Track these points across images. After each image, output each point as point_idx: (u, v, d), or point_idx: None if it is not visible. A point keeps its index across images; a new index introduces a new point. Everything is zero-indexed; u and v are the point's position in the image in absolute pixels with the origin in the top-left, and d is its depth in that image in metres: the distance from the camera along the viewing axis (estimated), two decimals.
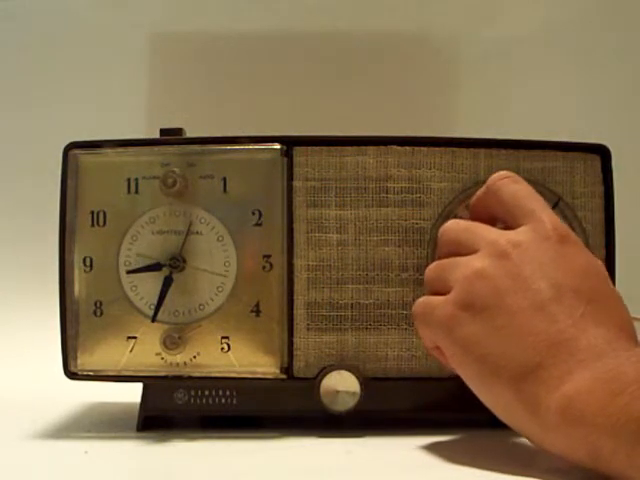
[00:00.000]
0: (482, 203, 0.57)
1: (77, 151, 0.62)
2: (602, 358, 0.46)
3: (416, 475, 0.50)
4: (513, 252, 0.51)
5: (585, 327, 0.48)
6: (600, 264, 0.53)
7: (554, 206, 0.61)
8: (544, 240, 0.51)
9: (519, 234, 0.52)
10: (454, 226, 0.56)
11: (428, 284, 0.56)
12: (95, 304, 0.61)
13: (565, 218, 0.61)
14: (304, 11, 1.12)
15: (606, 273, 0.53)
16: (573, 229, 0.61)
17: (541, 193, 0.59)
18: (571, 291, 0.50)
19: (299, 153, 0.62)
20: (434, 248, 0.61)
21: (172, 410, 0.63)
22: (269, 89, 1.11)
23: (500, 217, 0.55)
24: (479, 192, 0.57)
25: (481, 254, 0.52)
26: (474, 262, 0.52)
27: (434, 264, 0.56)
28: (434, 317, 0.53)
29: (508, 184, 0.55)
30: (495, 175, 0.56)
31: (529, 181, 0.57)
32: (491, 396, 0.50)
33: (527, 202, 0.54)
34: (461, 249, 0.54)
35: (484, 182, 0.61)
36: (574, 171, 0.62)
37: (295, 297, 0.61)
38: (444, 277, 0.54)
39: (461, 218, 0.60)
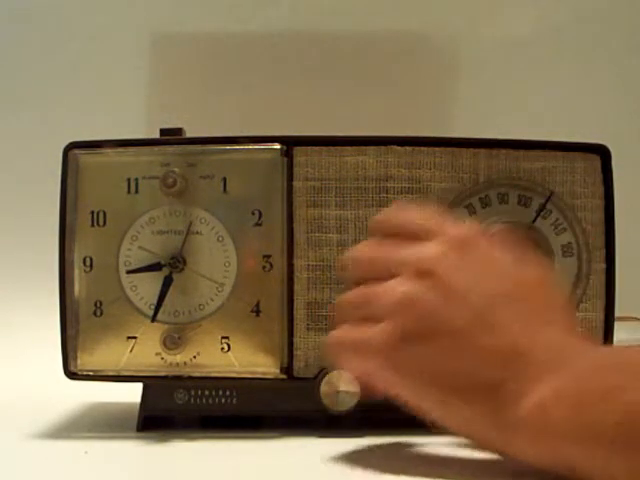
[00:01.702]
0: (381, 229, 0.54)
1: (77, 151, 0.62)
2: (560, 367, 0.45)
3: (416, 475, 0.50)
4: (433, 269, 0.49)
5: (531, 333, 0.47)
6: (524, 261, 0.51)
7: (546, 202, 0.61)
8: (458, 249, 0.49)
9: (432, 249, 0.50)
10: (365, 249, 0.54)
11: (350, 311, 0.52)
12: (95, 304, 0.61)
13: (559, 212, 0.61)
14: (304, 11, 1.12)
15: (540, 267, 0.52)
16: (571, 226, 0.61)
17: (531, 189, 0.59)
18: (502, 297, 0.48)
19: (299, 153, 0.62)
20: None
21: (172, 410, 0.63)
22: (269, 89, 1.11)
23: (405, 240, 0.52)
24: (373, 222, 0.56)
25: (403, 278, 0.49)
26: (399, 287, 0.49)
27: (350, 292, 0.53)
28: (372, 351, 0.50)
29: (395, 214, 0.54)
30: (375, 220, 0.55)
31: (526, 181, 0.57)
32: (453, 417, 0.49)
33: (424, 220, 0.52)
34: (378, 273, 0.51)
35: (484, 182, 0.61)
36: (574, 171, 0.62)
37: (295, 297, 0.61)
38: (369, 305, 0.51)
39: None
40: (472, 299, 0.48)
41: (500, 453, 0.48)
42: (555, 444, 0.43)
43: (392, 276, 0.50)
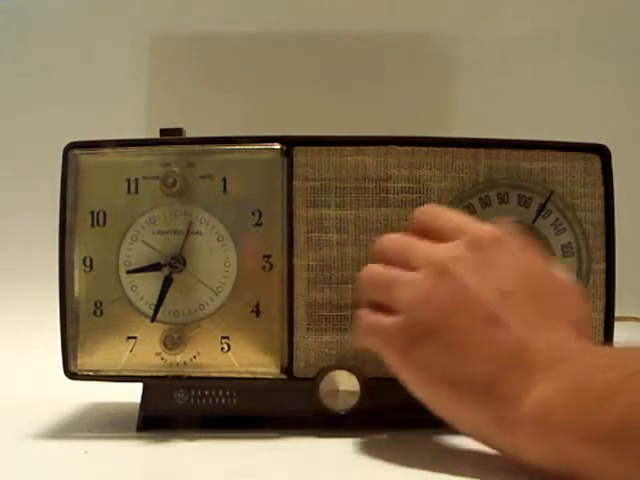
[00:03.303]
0: (411, 227, 0.57)
1: (77, 151, 0.62)
2: (560, 366, 0.46)
3: (417, 475, 0.50)
4: (452, 267, 0.51)
5: (536, 330, 0.48)
6: (540, 260, 0.53)
7: (546, 202, 0.61)
8: (477, 250, 0.52)
9: (452, 249, 0.52)
10: (392, 238, 0.57)
11: (370, 291, 0.55)
12: (95, 304, 0.61)
13: (559, 212, 0.61)
14: (304, 11, 1.12)
15: (551, 269, 0.53)
16: (570, 226, 0.61)
17: (531, 189, 0.59)
18: (514, 295, 0.50)
19: (299, 153, 0.62)
20: None
21: (172, 410, 0.63)
22: (269, 89, 1.11)
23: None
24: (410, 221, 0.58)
25: (422, 274, 0.52)
26: (417, 284, 0.52)
27: (374, 268, 0.55)
28: (386, 342, 0.53)
29: (426, 212, 0.57)
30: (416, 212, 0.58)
31: (526, 181, 0.58)
32: (457, 415, 0.50)
33: (449, 221, 0.55)
34: (400, 262, 0.54)
35: (484, 182, 0.61)
36: (574, 171, 0.62)
37: (295, 297, 0.61)
38: (387, 292, 0.53)
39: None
40: (485, 298, 0.50)
41: (502, 452, 0.49)
42: (557, 443, 0.44)
43: (413, 269, 0.53)
